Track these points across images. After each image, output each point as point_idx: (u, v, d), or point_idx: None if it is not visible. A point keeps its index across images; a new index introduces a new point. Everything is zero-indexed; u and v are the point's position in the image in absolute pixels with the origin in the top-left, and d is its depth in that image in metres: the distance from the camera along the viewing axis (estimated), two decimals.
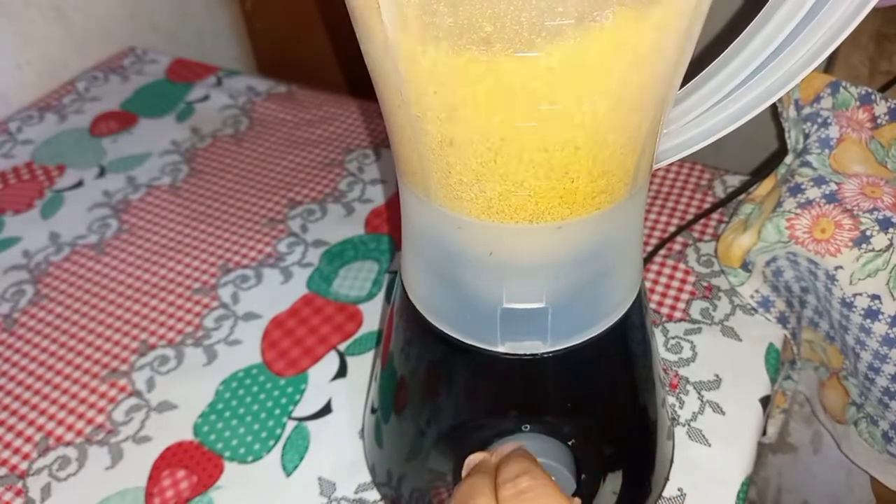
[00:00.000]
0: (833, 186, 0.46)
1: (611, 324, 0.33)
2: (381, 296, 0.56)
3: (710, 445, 0.44)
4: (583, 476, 0.34)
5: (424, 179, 0.28)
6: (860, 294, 0.44)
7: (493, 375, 0.33)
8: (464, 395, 0.35)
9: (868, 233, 0.44)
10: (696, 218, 0.59)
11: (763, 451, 0.67)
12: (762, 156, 0.77)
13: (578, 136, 0.24)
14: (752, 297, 0.52)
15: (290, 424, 0.48)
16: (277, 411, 0.48)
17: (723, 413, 0.46)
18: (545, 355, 0.32)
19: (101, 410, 0.49)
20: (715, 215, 0.60)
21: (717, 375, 0.48)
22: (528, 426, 0.34)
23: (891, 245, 0.43)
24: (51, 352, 0.54)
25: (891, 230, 0.43)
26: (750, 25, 0.27)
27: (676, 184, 0.63)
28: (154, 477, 0.45)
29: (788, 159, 0.52)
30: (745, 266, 0.52)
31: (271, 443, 0.47)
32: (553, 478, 0.33)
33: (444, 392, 0.35)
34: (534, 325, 0.31)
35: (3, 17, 0.76)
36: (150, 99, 0.80)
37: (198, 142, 0.74)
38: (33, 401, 0.50)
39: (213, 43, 1.02)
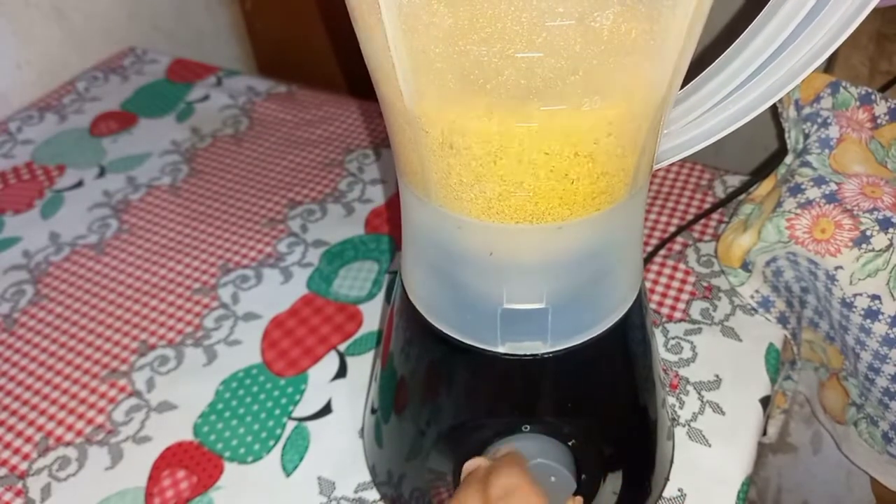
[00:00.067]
0: (833, 186, 0.46)
1: (611, 324, 0.33)
2: (381, 296, 0.56)
3: (710, 445, 0.44)
4: (583, 476, 0.34)
5: (424, 180, 0.28)
6: (860, 294, 0.44)
7: (493, 376, 0.33)
8: (464, 396, 0.35)
9: (868, 233, 0.44)
10: (696, 218, 0.59)
11: (763, 451, 0.67)
12: (762, 156, 0.77)
13: (578, 138, 0.24)
14: (752, 297, 0.52)
15: (290, 424, 0.48)
16: (277, 411, 0.48)
17: (723, 413, 0.46)
18: (545, 356, 0.32)
19: (101, 410, 0.49)
20: (715, 215, 0.60)
21: (717, 376, 0.48)
22: (528, 426, 0.34)
23: (891, 245, 0.43)
24: (51, 352, 0.54)
25: (891, 230, 0.43)
26: (750, 26, 0.27)
27: (676, 184, 0.63)
28: (154, 477, 0.45)
29: (788, 159, 0.52)
30: (745, 266, 0.52)
31: (271, 443, 0.47)
32: (553, 478, 0.33)
33: (444, 392, 0.35)
34: (534, 326, 0.31)
35: (3, 17, 0.76)
36: (150, 99, 0.80)
37: (198, 142, 0.74)
38: (33, 401, 0.50)
39: (213, 43, 1.02)
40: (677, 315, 0.52)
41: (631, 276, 0.33)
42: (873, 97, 0.49)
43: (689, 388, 0.48)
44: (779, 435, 0.62)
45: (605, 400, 0.36)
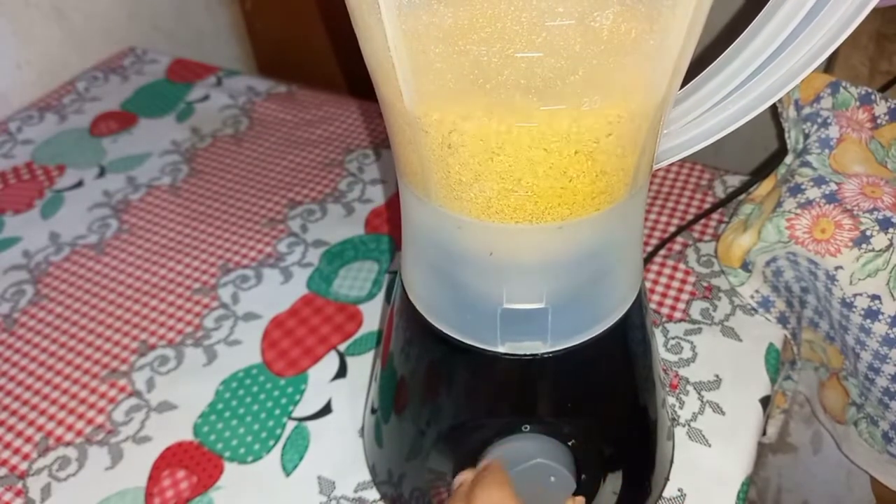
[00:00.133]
0: (833, 186, 0.46)
1: (611, 324, 0.33)
2: (381, 296, 0.56)
3: (710, 445, 0.44)
4: (583, 476, 0.34)
5: (424, 179, 0.28)
6: (860, 294, 0.44)
7: (493, 376, 0.33)
8: (464, 396, 0.35)
9: (868, 233, 0.44)
10: (696, 218, 0.59)
11: (763, 451, 0.67)
12: (762, 156, 0.77)
13: (578, 137, 0.24)
14: (752, 297, 0.52)
15: (290, 424, 0.48)
16: (277, 411, 0.48)
17: (723, 413, 0.46)
18: (545, 355, 0.32)
19: (101, 410, 0.49)
20: (715, 215, 0.60)
21: (717, 376, 0.48)
22: (528, 426, 0.34)
23: (891, 245, 0.43)
24: (51, 352, 0.54)
25: (891, 230, 0.43)
26: (750, 26, 0.27)
27: (676, 184, 0.63)
28: (154, 477, 0.45)
29: (788, 159, 0.52)
30: (745, 266, 0.52)
31: (271, 443, 0.47)
32: (552, 478, 0.33)
33: (444, 392, 0.35)
34: (534, 326, 0.31)
35: (3, 17, 0.76)
36: (150, 99, 0.80)
37: (198, 142, 0.74)
38: (33, 401, 0.50)
39: (213, 43, 1.02)
40: (677, 315, 0.52)
41: (631, 276, 0.33)
42: (873, 97, 0.49)
43: (689, 388, 0.48)
44: (779, 435, 0.62)
45: (604, 400, 0.36)
